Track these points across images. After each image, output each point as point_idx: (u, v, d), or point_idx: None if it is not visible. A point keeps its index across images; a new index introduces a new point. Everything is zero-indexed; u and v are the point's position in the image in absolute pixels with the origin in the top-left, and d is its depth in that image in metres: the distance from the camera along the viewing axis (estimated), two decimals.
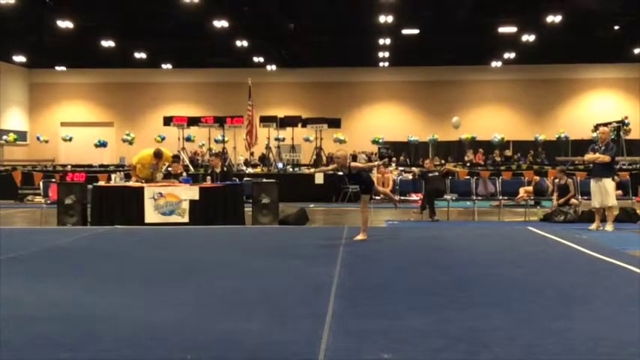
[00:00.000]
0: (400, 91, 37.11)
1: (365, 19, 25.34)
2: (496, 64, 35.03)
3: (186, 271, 7.44)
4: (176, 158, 17.64)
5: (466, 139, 29.77)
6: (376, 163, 11.36)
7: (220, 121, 22.84)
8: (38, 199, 17.51)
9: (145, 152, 14.36)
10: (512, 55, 32.42)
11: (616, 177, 13.87)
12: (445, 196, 14.96)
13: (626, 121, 26.30)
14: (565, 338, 4.60)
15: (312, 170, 12.18)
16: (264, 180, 15.00)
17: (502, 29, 27.06)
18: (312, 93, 36.71)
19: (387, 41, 28.93)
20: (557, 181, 14.92)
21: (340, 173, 18.44)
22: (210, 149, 23.21)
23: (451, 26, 26.11)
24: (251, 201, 13.45)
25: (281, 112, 26.90)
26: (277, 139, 25.10)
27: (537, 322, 5.01)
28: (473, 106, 36.28)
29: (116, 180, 14.26)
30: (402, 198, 16.11)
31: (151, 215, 12.86)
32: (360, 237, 10.07)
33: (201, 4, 22.84)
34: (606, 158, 11.87)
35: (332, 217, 16.09)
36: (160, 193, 12.92)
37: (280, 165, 22.51)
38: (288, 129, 24.70)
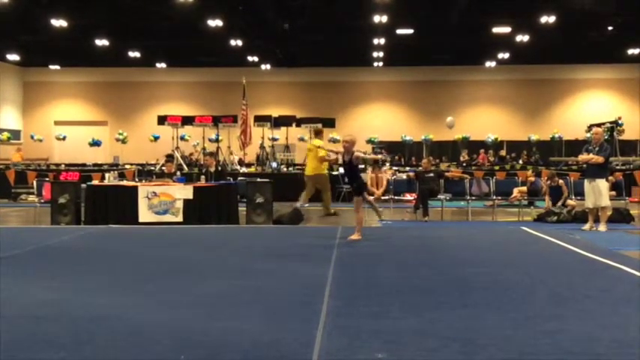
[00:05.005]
0: (395, 90, 37.12)
1: (359, 19, 25.35)
2: (490, 64, 35.07)
3: (180, 271, 7.44)
4: (170, 157, 17.62)
5: (458, 139, 29.82)
6: (379, 156, 11.31)
7: (216, 121, 22.83)
8: (32, 198, 17.44)
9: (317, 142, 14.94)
10: (507, 56, 32.45)
11: (610, 177, 13.93)
12: (439, 196, 14.97)
13: (620, 122, 26.34)
14: (559, 338, 4.61)
15: (318, 148, 12.33)
16: (259, 179, 14.99)
17: (496, 29, 27.10)
18: (307, 92, 36.69)
19: (382, 41, 28.92)
20: (548, 182, 14.96)
21: (335, 173, 18.51)
22: (204, 148, 23.18)
23: (445, 26, 26.13)
24: (245, 200, 13.44)
25: (275, 112, 26.83)
26: (272, 139, 25.09)
27: (531, 322, 5.03)
28: (467, 106, 36.31)
29: (110, 179, 14.24)
30: (396, 198, 16.14)
31: (144, 214, 12.84)
32: (354, 237, 10.08)
33: (195, 3, 22.79)
34: (600, 159, 11.91)
35: (326, 216, 16.06)
36: (154, 193, 12.90)
37: (274, 164, 22.49)
38: (283, 128, 24.67)
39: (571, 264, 8.10)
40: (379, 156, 11.23)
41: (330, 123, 24.27)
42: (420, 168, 17.18)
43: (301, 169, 23.09)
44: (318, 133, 16.08)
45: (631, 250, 9.28)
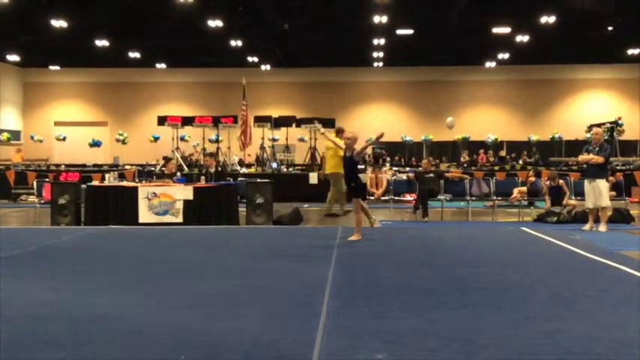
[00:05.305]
0: (394, 91, 37.13)
1: (359, 19, 25.36)
2: (490, 64, 35.09)
3: (180, 271, 7.44)
4: (167, 159, 17.62)
5: (458, 139, 29.84)
6: (379, 134, 10.82)
7: (216, 121, 22.85)
8: (32, 198, 17.45)
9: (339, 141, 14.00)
10: (507, 56, 32.49)
11: (610, 178, 13.93)
12: (439, 197, 14.97)
13: (620, 122, 26.37)
14: (559, 338, 4.61)
15: (323, 131, 12.08)
16: (259, 180, 14.98)
17: (496, 30, 27.11)
18: (307, 93, 36.71)
19: (382, 41, 28.95)
20: (548, 183, 14.95)
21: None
22: (204, 149, 23.20)
23: (445, 26, 26.15)
24: (245, 201, 13.44)
25: (275, 112, 26.86)
26: (272, 140, 25.11)
27: (531, 323, 5.03)
28: (467, 106, 36.33)
29: (110, 180, 14.23)
30: (396, 198, 16.14)
31: (144, 215, 12.83)
32: (354, 237, 10.07)
33: (195, 3, 22.80)
34: (600, 159, 11.91)
35: (326, 217, 16.06)
36: (154, 193, 12.90)
37: (274, 165, 22.49)
38: (283, 129, 24.68)
39: (571, 264, 8.10)
40: (379, 134, 10.66)
41: (330, 123, 24.25)
42: (420, 168, 17.19)
43: (301, 170, 23.15)
44: (339, 132, 15.87)
45: (631, 250, 9.29)
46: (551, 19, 24.59)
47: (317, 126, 12.66)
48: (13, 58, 34.63)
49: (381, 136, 10.45)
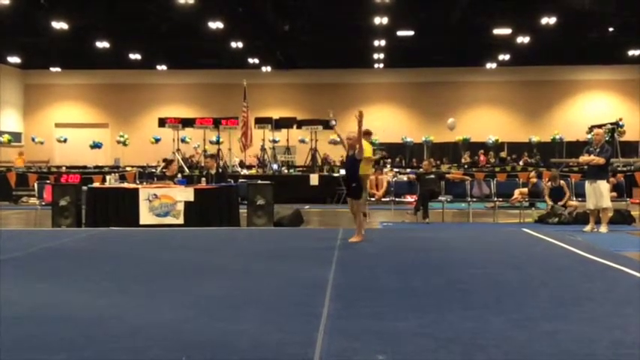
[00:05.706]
0: (395, 92, 37.11)
1: (360, 21, 25.37)
2: (491, 65, 35.07)
3: (181, 273, 7.43)
4: (168, 162, 17.64)
5: (459, 140, 29.83)
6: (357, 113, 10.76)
7: (216, 123, 22.87)
8: (33, 200, 17.46)
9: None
10: (507, 57, 32.47)
11: (612, 179, 13.92)
12: (440, 198, 14.97)
13: (621, 123, 26.37)
14: (559, 340, 4.61)
15: (331, 116, 11.97)
16: (260, 181, 14.98)
17: (497, 31, 27.12)
18: (307, 94, 36.67)
19: (382, 43, 28.96)
20: (549, 184, 14.95)
21: (336, 175, 18.57)
22: (205, 151, 23.22)
23: (446, 28, 26.16)
24: (246, 202, 13.44)
25: (276, 114, 26.88)
26: (272, 141, 25.12)
27: (532, 324, 5.03)
28: (468, 107, 36.31)
29: (111, 181, 14.23)
30: (397, 199, 16.14)
31: (145, 217, 12.83)
32: (354, 239, 10.08)
33: (195, 4, 22.82)
34: (600, 160, 11.90)
35: (327, 218, 16.09)
36: (155, 195, 12.90)
37: (275, 166, 22.50)
38: (283, 130, 24.71)
39: (572, 265, 8.09)
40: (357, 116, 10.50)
41: (330, 125, 24.30)
42: (421, 169, 17.18)
43: (302, 171, 23.16)
44: (366, 134, 15.30)
45: (632, 251, 9.29)
46: (552, 20, 24.60)
47: (333, 123, 12.61)
48: (14, 59, 34.65)
49: (360, 114, 10.39)
